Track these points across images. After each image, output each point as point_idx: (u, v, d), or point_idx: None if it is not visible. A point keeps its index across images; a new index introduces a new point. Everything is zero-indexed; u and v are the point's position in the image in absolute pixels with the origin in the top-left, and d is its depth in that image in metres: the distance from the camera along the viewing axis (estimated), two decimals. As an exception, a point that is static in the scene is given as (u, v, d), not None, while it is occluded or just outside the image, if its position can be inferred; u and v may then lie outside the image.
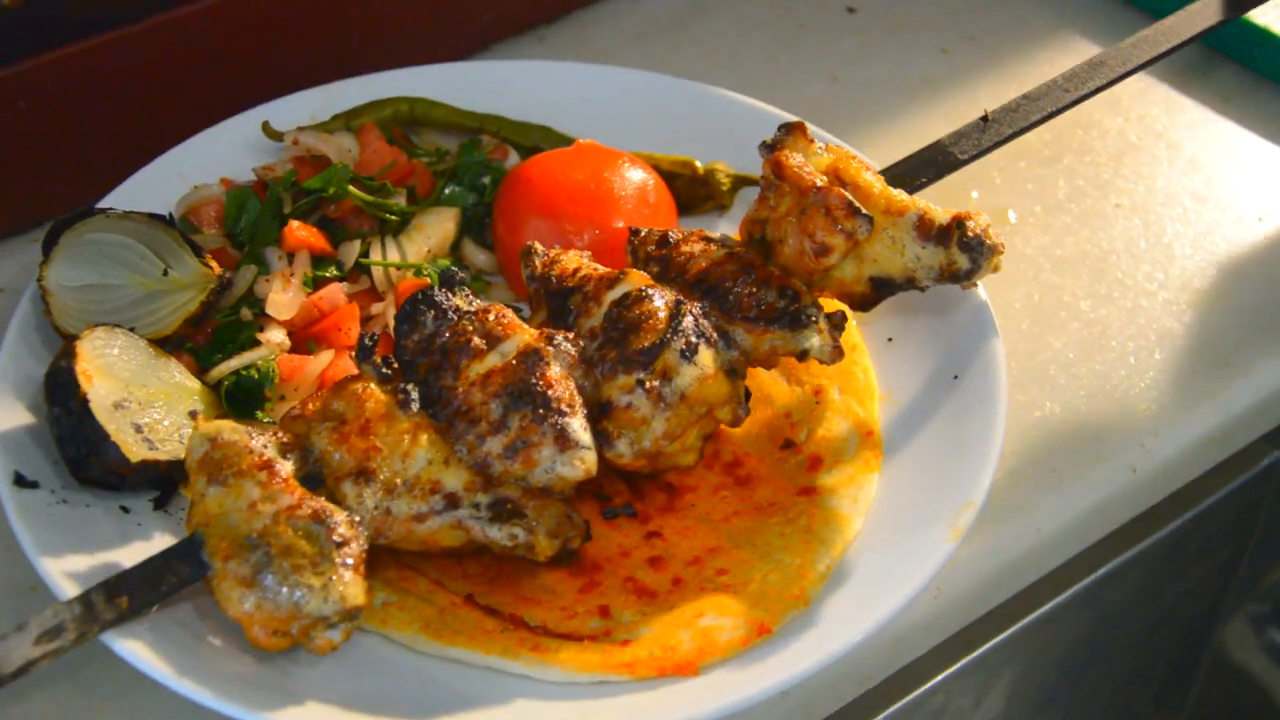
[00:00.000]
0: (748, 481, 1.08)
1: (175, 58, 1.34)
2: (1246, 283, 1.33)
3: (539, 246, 1.12)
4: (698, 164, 1.33)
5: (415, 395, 0.99)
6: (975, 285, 1.11)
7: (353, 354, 1.18)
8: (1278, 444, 1.35)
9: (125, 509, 1.03)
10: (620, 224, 1.22)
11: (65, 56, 1.26)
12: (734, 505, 1.06)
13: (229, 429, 0.96)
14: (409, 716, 0.92)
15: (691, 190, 1.33)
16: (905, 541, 1.00)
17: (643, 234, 1.13)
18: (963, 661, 1.17)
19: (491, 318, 1.02)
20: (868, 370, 1.15)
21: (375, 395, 0.98)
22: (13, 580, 1.04)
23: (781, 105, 1.37)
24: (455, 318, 1.02)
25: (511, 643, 0.95)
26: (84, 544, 0.99)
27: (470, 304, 1.04)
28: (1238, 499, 1.36)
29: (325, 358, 1.17)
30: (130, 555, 0.99)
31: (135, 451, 1.02)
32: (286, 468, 0.95)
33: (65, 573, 0.95)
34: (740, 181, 1.34)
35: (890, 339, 1.18)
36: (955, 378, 1.12)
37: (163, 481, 1.05)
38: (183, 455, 1.04)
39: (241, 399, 1.12)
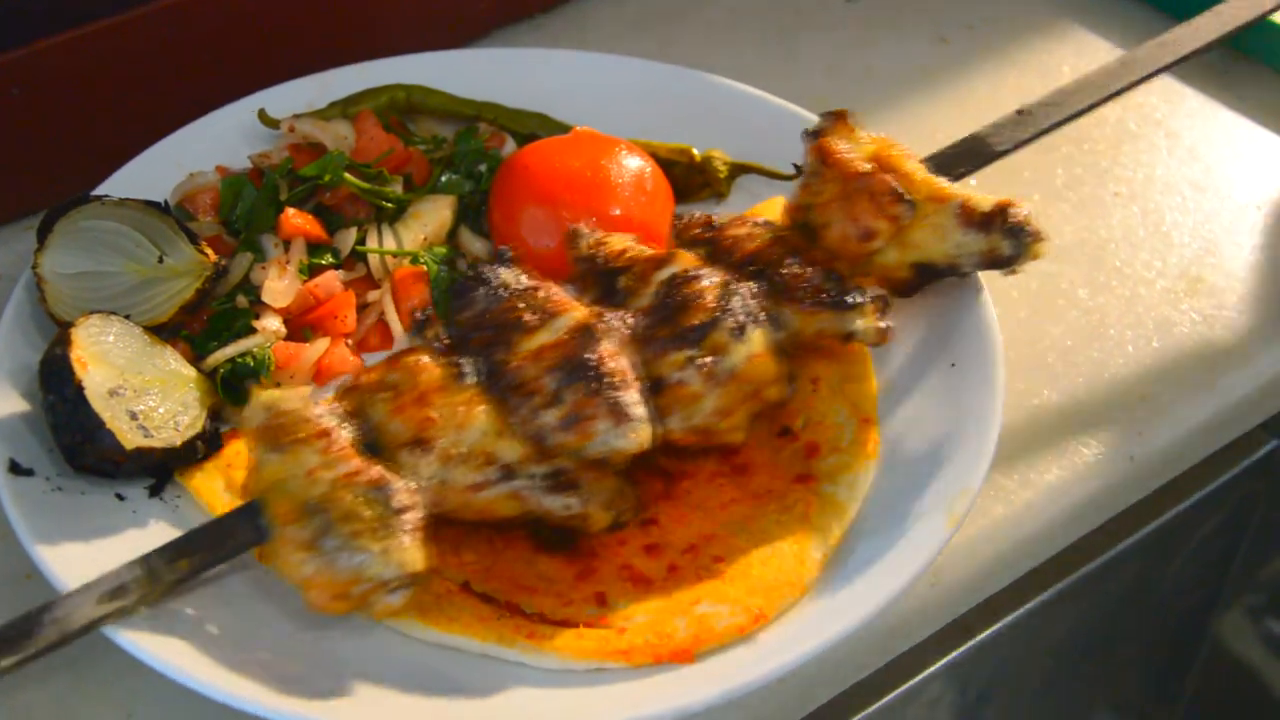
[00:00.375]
0: (745, 469, 1.08)
1: (170, 45, 1.34)
2: (1244, 271, 1.32)
3: (585, 228, 1.13)
4: (695, 151, 1.33)
5: (471, 368, 0.99)
6: (1017, 271, 1.12)
7: (349, 342, 1.18)
8: (1276, 432, 1.35)
9: (120, 496, 1.03)
10: (617, 211, 1.22)
11: (59, 44, 1.26)
12: (731, 493, 1.06)
13: (288, 397, 0.96)
14: (403, 703, 0.91)
15: (689, 178, 1.32)
16: (902, 528, 1.00)
17: (685, 219, 1.14)
18: (960, 649, 1.17)
19: (541, 294, 1.03)
20: (866, 356, 1.15)
21: (430, 368, 0.98)
22: (8, 568, 1.04)
23: (779, 94, 1.37)
24: (506, 294, 1.03)
25: (507, 630, 0.95)
26: (79, 531, 0.99)
27: (520, 281, 1.04)
28: (1236, 487, 1.36)
29: (321, 345, 1.16)
30: (125, 542, 0.99)
31: (130, 439, 1.02)
32: (345, 436, 0.95)
33: (60, 560, 0.95)
34: (737, 169, 1.33)
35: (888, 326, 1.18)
36: (953, 365, 1.12)
37: (158, 469, 1.05)
38: (178, 443, 1.04)
39: (237, 386, 1.12)
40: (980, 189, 1.39)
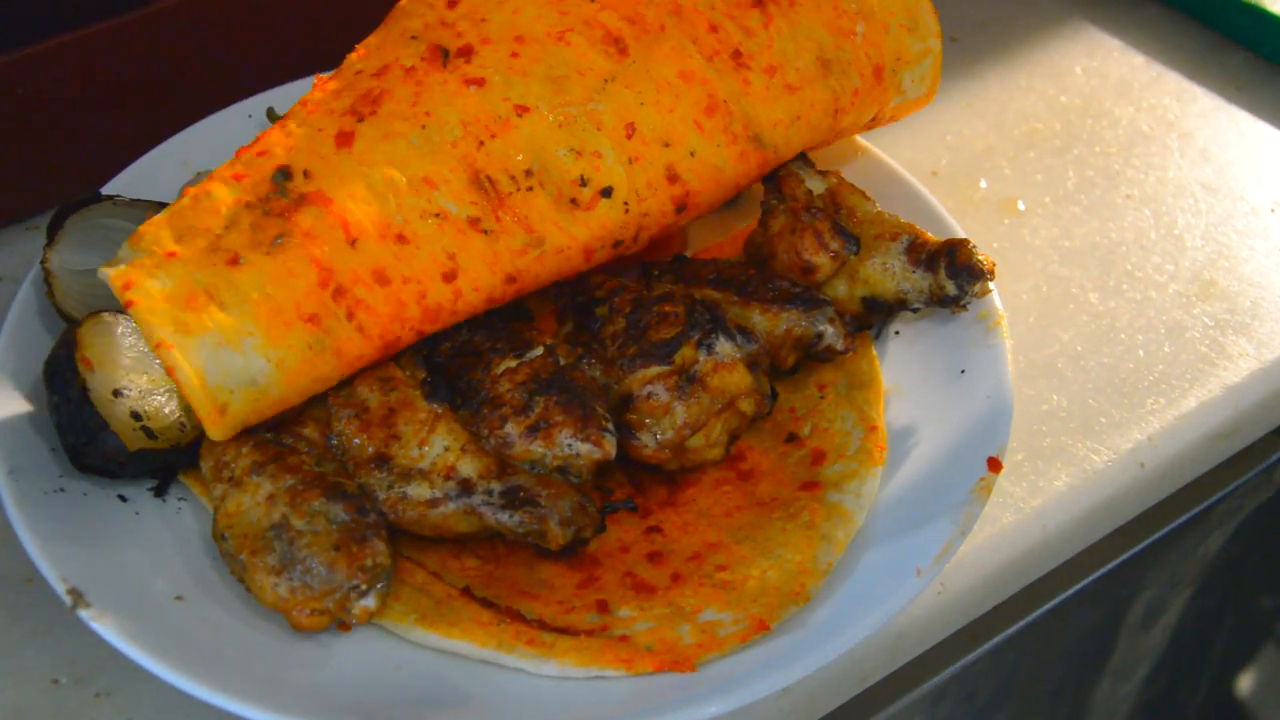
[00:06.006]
0: (750, 476, 1.07)
1: (177, 44, 1.34)
2: (1257, 275, 1.31)
3: None
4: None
5: (441, 385, 1.03)
6: (964, 309, 1.14)
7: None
8: (1289, 438, 1.34)
9: (123, 498, 1.03)
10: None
11: (65, 44, 1.26)
12: (735, 500, 1.05)
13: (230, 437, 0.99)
14: (401, 708, 0.91)
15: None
16: (909, 537, 0.99)
17: (656, 271, 1.17)
18: (967, 657, 1.16)
19: (518, 326, 1.09)
20: (873, 362, 1.14)
21: (401, 384, 1.02)
22: (9, 570, 1.04)
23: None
24: (486, 326, 1.08)
25: (508, 636, 0.94)
26: (81, 534, 0.98)
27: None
28: (1248, 494, 1.35)
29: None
30: (127, 545, 0.99)
31: (134, 440, 1.02)
32: (297, 457, 0.98)
33: (61, 562, 0.95)
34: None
35: (897, 331, 1.17)
36: (962, 372, 1.11)
37: (162, 470, 1.05)
38: (182, 444, 1.04)
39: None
40: (992, 192, 1.39)
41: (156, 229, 0.99)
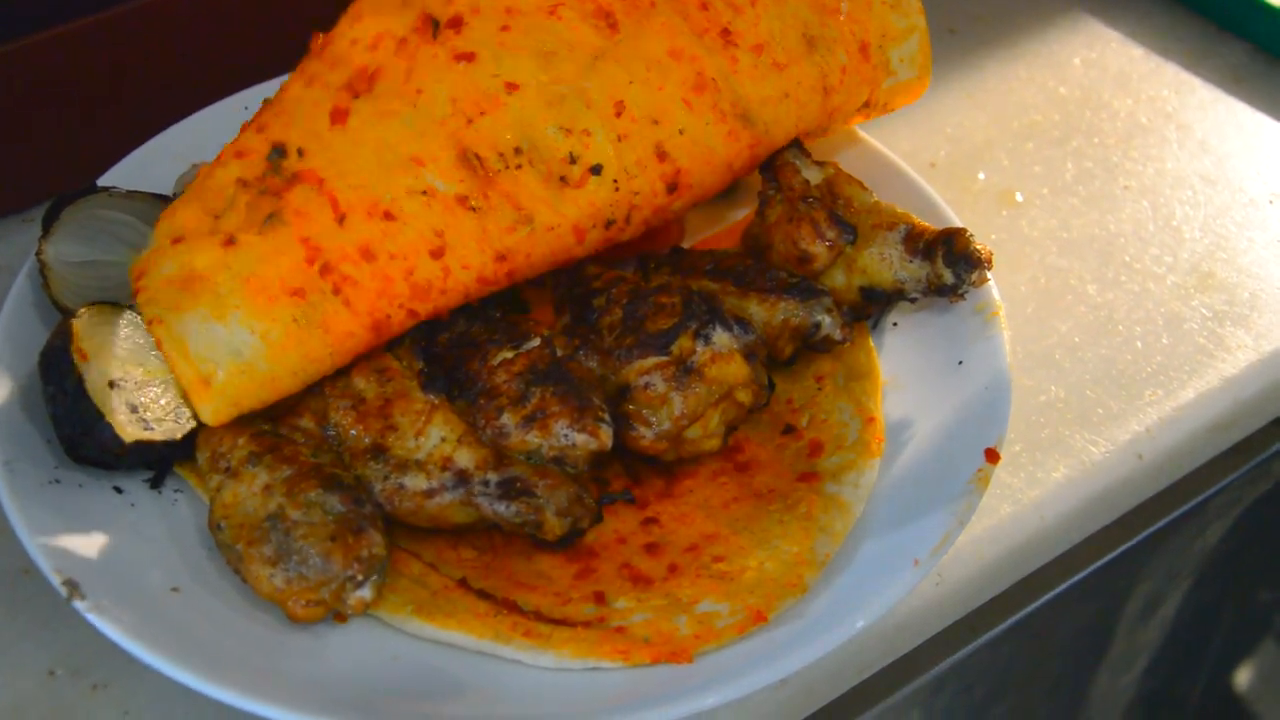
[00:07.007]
0: (747, 467, 1.07)
1: (173, 36, 1.34)
2: (1256, 266, 1.31)
3: None
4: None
5: (438, 376, 1.03)
6: (962, 299, 1.12)
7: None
8: (1287, 430, 1.34)
9: (119, 489, 1.03)
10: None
11: (61, 35, 1.26)
12: (733, 491, 1.05)
13: (227, 426, 0.99)
14: (398, 699, 0.91)
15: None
16: (906, 528, 0.99)
17: (653, 262, 1.18)
18: (965, 649, 1.16)
19: (515, 319, 1.09)
20: (871, 354, 1.14)
21: (397, 375, 1.02)
22: (5, 563, 1.04)
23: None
24: (483, 318, 1.08)
25: (504, 627, 0.94)
26: (76, 525, 0.98)
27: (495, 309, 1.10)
28: (1246, 486, 1.35)
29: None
30: (123, 536, 0.98)
31: (129, 432, 1.01)
32: (293, 447, 0.98)
33: (57, 554, 0.94)
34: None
35: (895, 323, 1.17)
36: (960, 363, 1.11)
37: (158, 462, 1.04)
38: (178, 436, 1.04)
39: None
40: (990, 183, 1.39)
41: (171, 214, 1.00)
